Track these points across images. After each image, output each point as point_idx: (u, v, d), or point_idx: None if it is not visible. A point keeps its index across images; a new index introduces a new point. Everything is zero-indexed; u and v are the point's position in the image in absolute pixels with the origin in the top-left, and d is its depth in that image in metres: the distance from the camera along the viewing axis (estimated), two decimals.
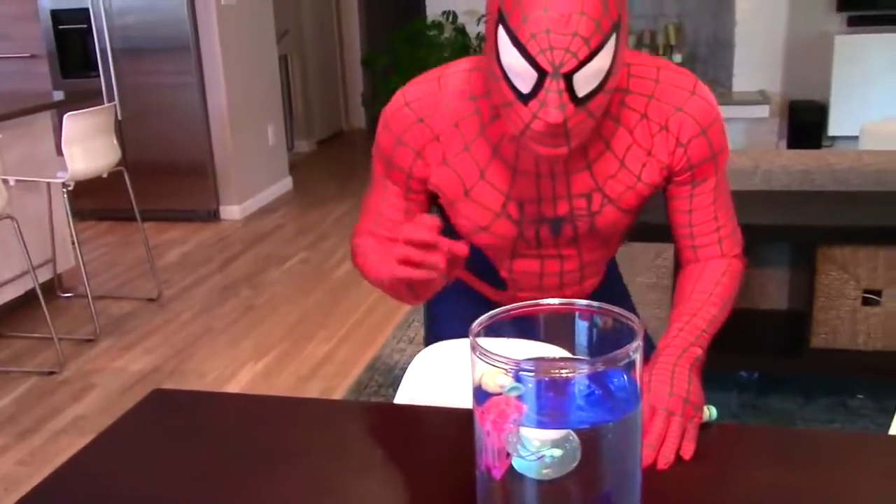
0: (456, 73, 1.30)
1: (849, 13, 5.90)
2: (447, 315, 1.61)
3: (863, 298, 2.74)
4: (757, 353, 2.89)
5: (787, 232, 2.71)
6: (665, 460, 1.08)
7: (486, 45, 1.18)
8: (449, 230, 1.48)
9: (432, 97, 1.29)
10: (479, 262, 1.49)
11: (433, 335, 1.63)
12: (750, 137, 6.02)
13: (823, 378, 3.02)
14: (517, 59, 1.10)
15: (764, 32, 5.91)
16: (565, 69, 1.08)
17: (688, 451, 1.09)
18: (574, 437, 0.81)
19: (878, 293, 2.73)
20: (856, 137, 4.91)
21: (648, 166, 1.30)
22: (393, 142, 1.33)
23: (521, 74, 1.11)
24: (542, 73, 1.09)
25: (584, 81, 1.10)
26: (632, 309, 1.64)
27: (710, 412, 1.17)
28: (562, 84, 1.09)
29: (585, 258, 1.43)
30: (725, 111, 5.80)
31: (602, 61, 1.10)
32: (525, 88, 1.12)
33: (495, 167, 1.30)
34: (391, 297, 1.30)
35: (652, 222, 2.04)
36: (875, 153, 2.94)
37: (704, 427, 1.16)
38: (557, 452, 0.81)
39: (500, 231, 1.36)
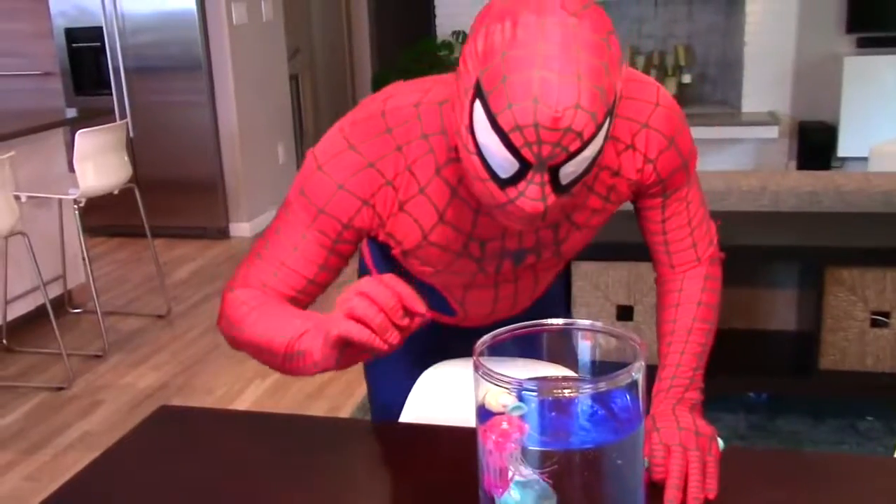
0: (403, 109, 1.13)
1: (858, 35, 5.90)
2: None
3: (871, 320, 2.73)
4: (766, 374, 2.88)
5: (796, 253, 2.70)
6: (695, 501, 1.06)
7: (454, 99, 1.01)
8: (386, 265, 1.40)
9: (381, 138, 1.12)
10: (425, 293, 1.32)
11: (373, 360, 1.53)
12: (759, 158, 6.02)
13: (832, 400, 3.00)
14: (496, 144, 0.94)
15: (773, 53, 5.92)
16: (553, 163, 0.94)
17: (712, 491, 1.07)
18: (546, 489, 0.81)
19: (887, 315, 2.72)
20: (865, 159, 4.91)
21: (616, 186, 1.20)
22: (331, 188, 1.12)
23: (500, 161, 0.95)
24: (525, 165, 0.94)
25: (571, 171, 0.96)
26: (568, 307, 1.60)
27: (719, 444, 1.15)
28: (546, 177, 0.95)
29: (541, 277, 1.36)
30: (734, 132, 5.81)
31: (592, 149, 0.95)
32: (503, 174, 0.96)
33: (455, 208, 1.15)
34: (260, 361, 1.16)
35: None
36: (883, 175, 2.94)
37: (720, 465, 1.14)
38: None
39: (459, 269, 1.24)
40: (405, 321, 0.94)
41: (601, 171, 1.17)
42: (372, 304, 0.93)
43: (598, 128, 0.94)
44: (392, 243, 1.20)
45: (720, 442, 1.15)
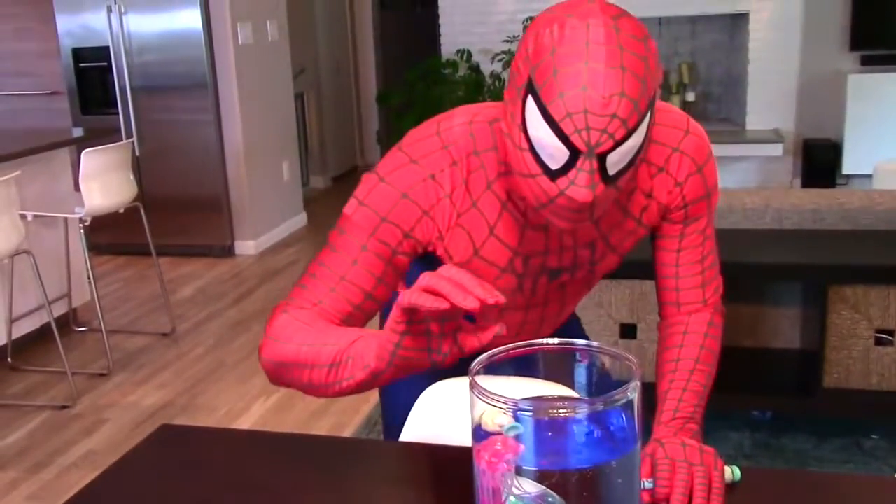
0: (458, 127, 1.21)
1: (862, 52, 5.92)
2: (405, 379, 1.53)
3: (875, 338, 2.73)
4: (770, 392, 2.88)
5: (799, 271, 2.70)
6: None
7: (505, 108, 1.10)
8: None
9: (438, 154, 1.19)
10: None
11: (388, 395, 1.56)
12: (764, 176, 6.02)
13: (837, 418, 2.99)
14: (548, 135, 1.02)
15: (777, 71, 5.94)
16: (601, 150, 1.02)
17: None
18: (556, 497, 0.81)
19: (891, 333, 2.72)
20: (870, 176, 4.91)
21: (648, 209, 1.28)
22: (394, 197, 1.18)
23: (551, 151, 1.03)
24: (574, 153, 1.02)
25: (617, 160, 1.04)
26: (582, 331, 1.63)
27: (733, 473, 1.14)
28: (595, 164, 1.03)
29: (567, 303, 1.41)
30: (739, 150, 5.82)
31: (636, 139, 1.04)
32: (554, 165, 1.04)
33: (505, 222, 1.22)
34: (300, 384, 1.14)
35: None
36: (886, 192, 2.94)
37: (729, 488, 1.13)
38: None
39: (502, 287, 1.29)
40: (477, 290, 0.88)
41: (635, 192, 1.25)
42: (440, 277, 0.90)
43: (641, 118, 1.02)
44: (445, 258, 1.24)
45: (737, 472, 1.14)
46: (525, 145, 1.06)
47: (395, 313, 0.95)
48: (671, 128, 1.25)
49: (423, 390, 1.48)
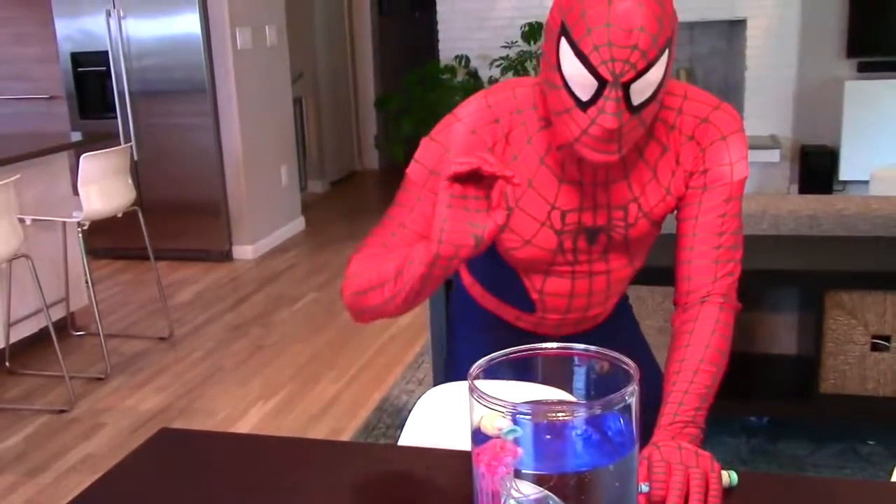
0: (501, 90, 1.36)
1: (859, 59, 5.94)
2: (468, 346, 1.66)
3: (871, 344, 2.74)
4: (766, 398, 2.88)
5: (795, 277, 2.71)
6: None
7: (543, 59, 1.26)
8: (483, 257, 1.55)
9: (482, 112, 1.34)
10: (508, 284, 1.52)
11: (454, 363, 1.68)
12: (761, 182, 6.03)
13: (834, 424, 3.00)
14: (579, 69, 1.18)
15: (774, 78, 5.96)
16: (624, 79, 1.17)
17: None
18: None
19: (887, 339, 2.72)
20: (867, 182, 4.93)
21: (676, 175, 1.38)
22: (441, 152, 1.34)
23: (582, 83, 1.19)
24: (602, 83, 1.17)
25: (640, 91, 1.19)
26: (647, 356, 1.67)
27: (730, 477, 1.14)
28: (620, 93, 1.18)
29: (613, 277, 1.47)
30: None
31: (656, 73, 1.18)
32: (585, 96, 1.20)
33: (542, 176, 1.36)
34: (379, 307, 1.29)
35: (659, 266, 2.06)
36: (882, 199, 2.95)
37: (726, 492, 1.13)
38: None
39: (542, 242, 1.40)
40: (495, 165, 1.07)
41: (665, 154, 1.37)
42: (469, 159, 1.08)
43: (660, 52, 1.17)
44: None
45: (734, 477, 1.14)
46: (560, 83, 1.21)
47: (441, 194, 1.11)
48: (703, 103, 1.37)
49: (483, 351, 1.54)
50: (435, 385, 1.69)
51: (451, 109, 1.40)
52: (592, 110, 1.20)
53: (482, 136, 1.33)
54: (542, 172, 1.36)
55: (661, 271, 2.03)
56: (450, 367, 1.71)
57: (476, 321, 1.65)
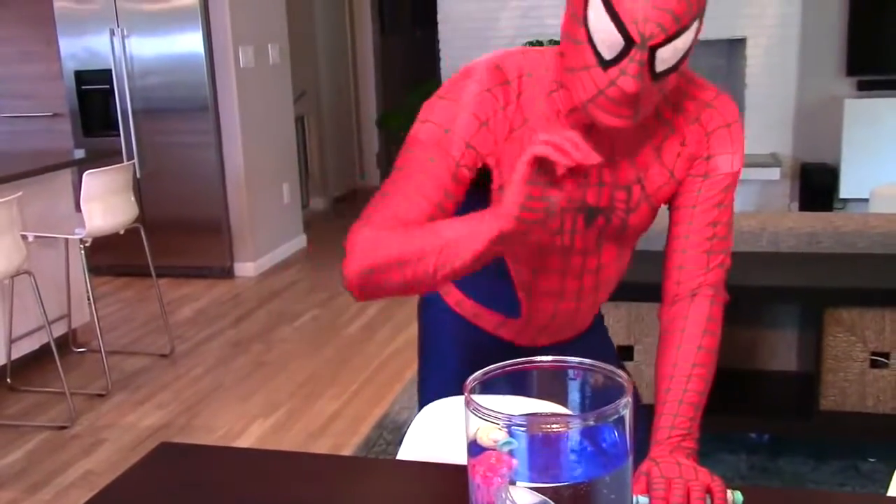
0: (511, 54, 1.30)
1: (858, 78, 5.97)
2: (442, 362, 1.59)
3: (871, 361, 2.74)
4: (766, 414, 2.88)
5: (795, 294, 2.72)
6: None
7: (567, 12, 1.20)
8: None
9: (493, 72, 1.27)
10: (493, 284, 1.47)
11: (428, 381, 1.61)
12: (762, 199, 6.05)
13: (834, 440, 3.00)
14: (607, 24, 1.12)
15: (774, 96, 5.98)
16: (653, 42, 1.12)
17: None
18: None
19: (886, 356, 2.73)
20: (867, 200, 4.94)
21: (681, 158, 1.34)
22: (454, 110, 1.25)
23: (608, 41, 1.13)
24: (629, 43, 1.12)
25: (665, 58, 1.14)
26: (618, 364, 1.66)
27: (735, 497, 1.14)
28: (645, 56, 1.13)
29: (601, 276, 1.44)
30: None
31: (685, 41, 1.14)
32: (608, 55, 1.14)
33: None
34: (402, 284, 1.18)
35: (657, 283, 2.06)
36: (881, 216, 2.97)
37: None
38: None
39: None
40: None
41: (670, 137, 1.33)
42: (551, 140, 1.01)
43: (692, 20, 1.13)
44: (497, 175, 1.30)
45: (739, 496, 1.14)
46: (583, 38, 1.15)
47: (519, 171, 1.02)
48: (706, 88, 1.35)
49: (459, 391, 1.50)
50: (420, 387, 1.63)
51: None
52: (613, 70, 1.14)
53: (496, 95, 1.26)
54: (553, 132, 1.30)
55: (658, 288, 2.04)
56: (423, 385, 1.63)
57: (451, 333, 1.57)
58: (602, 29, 1.13)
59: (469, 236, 1.10)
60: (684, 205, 1.36)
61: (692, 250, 1.35)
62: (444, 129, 1.24)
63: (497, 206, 1.07)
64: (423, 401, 1.60)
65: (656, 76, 1.16)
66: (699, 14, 1.14)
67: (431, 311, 1.61)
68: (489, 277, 1.46)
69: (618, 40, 1.12)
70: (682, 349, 1.31)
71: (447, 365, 1.57)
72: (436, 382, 1.58)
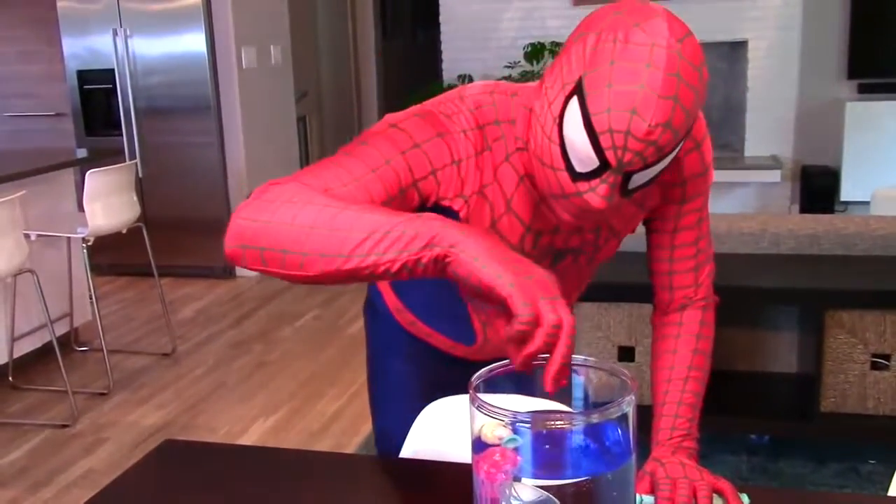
0: (480, 95, 1.18)
1: (859, 80, 5.97)
2: (394, 380, 1.54)
3: (871, 363, 2.74)
4: (767, 416, 2.89)
5: (795, 295, 2.72)
6: None
7: (544, 89, 1.07)
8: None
9: (467, 115, 1.15)
10: (447, 311, 1.40)
11: (380, 401, 1.56)
12: (762, 202, 6.05)
13: (835, 442, 3.00)
14: (584, 142, 1.01)
15: (775, 99, 5.99)
16: (630, 169, 1.02)
17: None
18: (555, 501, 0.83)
19: (887, 357, 2.73)
20: (868, 203, 4.94)
21: (650, 192, 1.28)
22: (431, 133, 1.13)
23: (582, 157, 1.03)
24: (604, 165, 1.02)
25: (640, 178, 1.05)
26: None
27: (742, 499, 1.15)
28: (619, 179, 1.03)
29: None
30: (738, 176, 5.86)
31: (664, 162, 1.05)
32: (579, 168, 1.04)
33: (521, 195, 1.19)
34: (276, 265, 0.98)
35: None
36: (882, 218, 2.97)
37: None
38: None
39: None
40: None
41: None
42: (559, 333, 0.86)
43: (677, 145, 1.03)
44: (472, 223, 1.19)
45: (746, 499, 1.15)
46: (556, 140, 1.05)
47: (496, 313, 0.90)
48: None
49: (411, 405, 1.48)
50: (371, 400, 1.58)
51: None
52: (583, 184, 1.04)
53: (471, 139, 1.14)
54: (521, 192, 1.19)
55: None
56: (375, 406, 1.57)
57: (402, 350, 1.51)
58: (577, 143, 1.02)
59: (417, 238, 0.92)
60: (664, 229, 1.32)
61: (679, 269, 1.33)
62: (415, 142, 1.11)
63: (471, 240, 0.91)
64: (380, 423, 1.56)
65: (628, 193, 1.06)
66: (685, 137, 1.03)
67: (381, 328, 1.54)
68: (442, 300, 1.38)
69: (592, 159, 1.02)
70: (678, 353, 1.32)
71: (402, 387, 1.53)
72: (392, 405, 1.54)
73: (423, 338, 1.49)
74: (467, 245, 0.90)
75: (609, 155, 1.00)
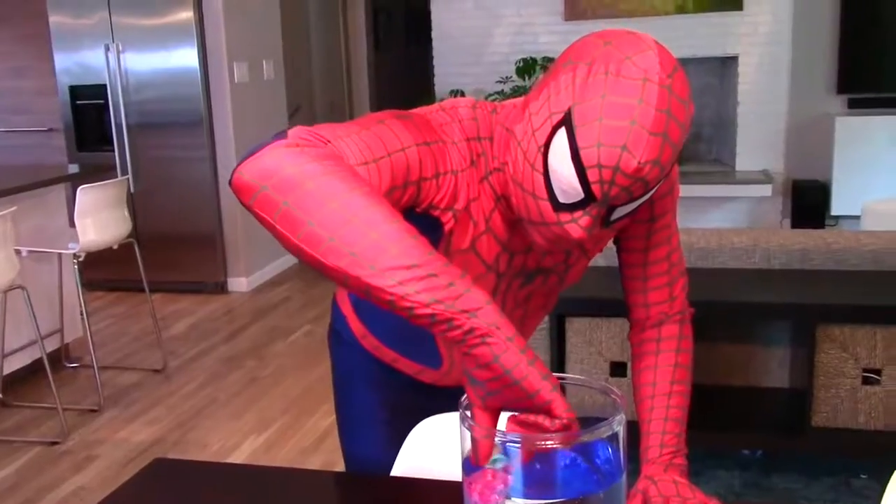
0: (462, 108, 1.14)
1: (849, 96, 6.02)
2: (361, 406, 1.51)
3: (863, 377, 2.75)
4: (759, 431, 2.89)
5: (787, 310, 2.73)
6: None
7: (528, 114, 1.05)
8: None
9: (454, 125, 1.13)
10: (413, 336, 1.39)
11: (348, 428, 1.54)
12: (753, 216, 6.08)
13: (826, 457, 3.01)
14: (570, 173, 1.00)
15: (766, 114, 6.02)
16: (615, 203, 1.01)
17: None
18: None
19: (878, 372, 2.74)
20: (858, 217, 4.97)
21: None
22: (436, 136, 1.09)
23: (566, 188, 1.01)
24: (589, 198, 1.01)
25: (623, 210, 1.05)
26: None
27: None
28: (603, 211, 1.03)
29: (527, 322, 1.38)
30: (728, 190, 5.88)
31: (649, 195, 1.04)
32: (563, 199, 1.02)
33: (497, 215, 1.17)
34: (303, 253, 0.88)
35: None
36: (872, 234, 2.99)
37: None
38: None
39: (482, 286, 1.17)
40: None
41: None
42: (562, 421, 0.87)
43: (662, 178, 1.01)
44: (445, 237, 1.16)
45: None
46: (540, 168, 1.02)
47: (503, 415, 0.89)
48: None
49: (380, 430, 1.47)
50: (340, 427, 1.55)
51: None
52: (565, 215, 1.03)
53: (462, 152, 1.12)
54: (498, 211, 1.17)
55: None
56: (343, 432, 1.54)
57: (369, 377, 1.49)
58: (563, 175, 1.00)
59: (438, 295, 0.85)
60: (635, 248, 1.31)
61: (654, 285, 1.33)
62: (425, 139, 1.06)
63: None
64: (348, 448, 1.54)
65: (609, 223, 1.06)
66: (670, 169, 1.03)
67: (346, 354, 1.52)
68: (408, 325, 1.32)
69: (576, 191, 1.00)
70: (659, 369, 1.31)
71: (367, 411, 1.51)
72: (359, 430, 1.52)
73: (389, 363, 1.47)
74: (512, 333, 0.86)
75: (595, 189, 0.99)
